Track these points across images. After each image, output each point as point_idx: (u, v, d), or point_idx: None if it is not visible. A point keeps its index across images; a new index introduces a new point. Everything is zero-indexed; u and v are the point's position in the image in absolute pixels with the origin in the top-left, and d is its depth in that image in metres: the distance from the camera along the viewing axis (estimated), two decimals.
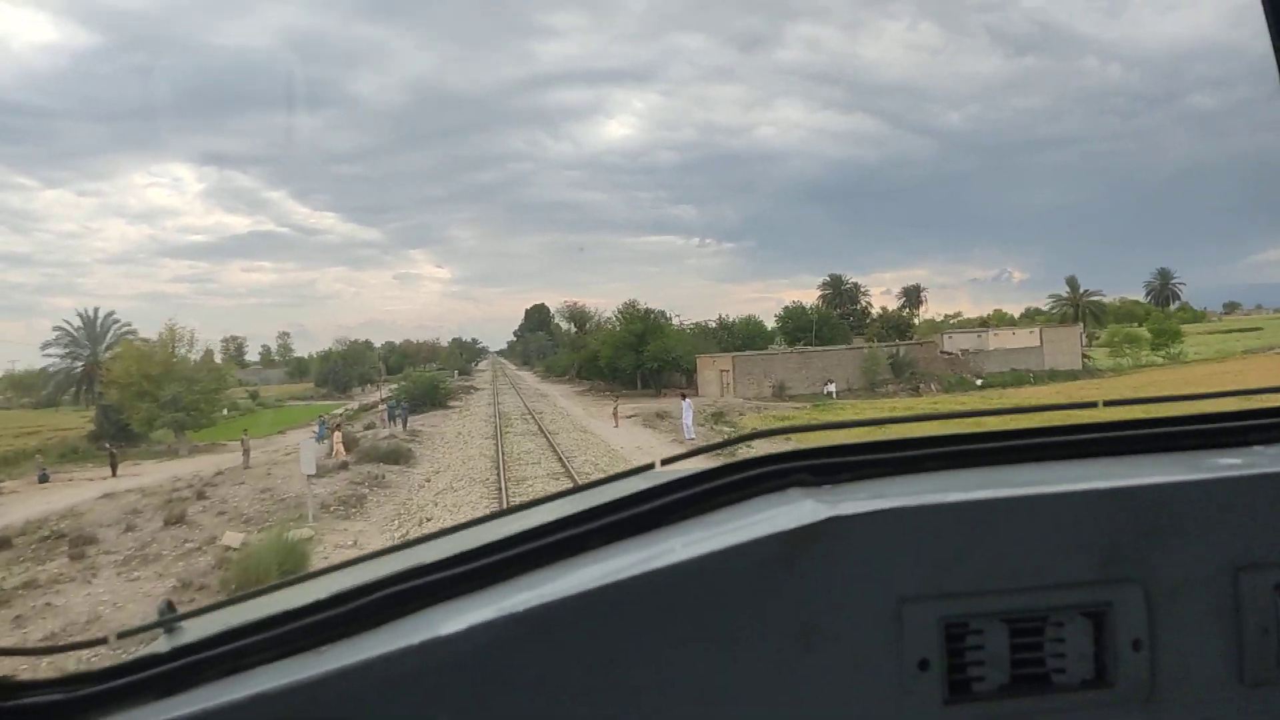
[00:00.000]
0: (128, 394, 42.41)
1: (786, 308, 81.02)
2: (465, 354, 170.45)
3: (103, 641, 1.19)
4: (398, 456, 28.20)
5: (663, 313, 61.22)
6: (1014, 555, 1.06)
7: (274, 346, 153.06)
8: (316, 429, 39.44)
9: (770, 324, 75.90)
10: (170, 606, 1.26)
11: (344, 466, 26.57)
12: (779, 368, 54.76)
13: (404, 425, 40.13)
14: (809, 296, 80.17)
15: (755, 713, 1.04)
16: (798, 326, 73.77)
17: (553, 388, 74.22)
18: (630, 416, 38.95)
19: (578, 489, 1.38)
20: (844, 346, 62.41)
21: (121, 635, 1.19)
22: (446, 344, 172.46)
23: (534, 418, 43.08)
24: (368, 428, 45.60)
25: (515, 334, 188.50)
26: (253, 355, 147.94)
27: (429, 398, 55.63)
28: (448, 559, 1.10)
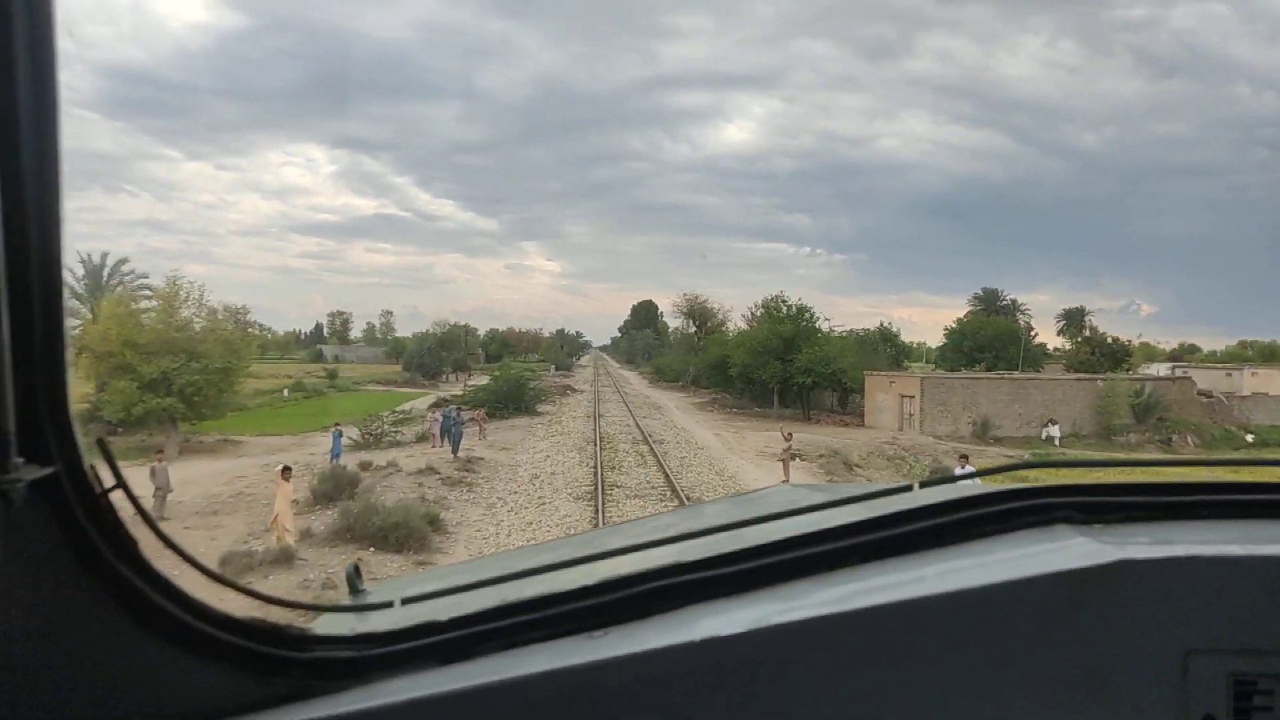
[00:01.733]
0: (103, 368, 30.62)
1: (960, 320, 65.27)
2: (567, 347, 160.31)
3: (388, 605, 1.20)
4: (409, 533, 14.67)
5: (812, 312, 46.76)
6: None
7: (377, 325, 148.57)
8: (332, 440, 26.72)
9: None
10: (357, 570, 1.33)
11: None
12: (983, 398, 39.58)
13: (455, 447, 27.13)
14: (921, 316, 63.32)
15: None
16: (977, 345, 58.00)
17: (665, 396, 60.58)
18: (794, 455, 24.74)
19: (835, 502, 1.31)
20: (1068, 376, 46.44)
21: (405, 601, 1.20)
22: (549, 335, 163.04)
23: (650, 445, 29.41)
24: (420, 439, 32.72)
25: (620, 330, 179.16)
26: (357, 332, 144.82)
27: (513, 399, 42.80)
28: (709, 559, 1.11)
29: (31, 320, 0.86)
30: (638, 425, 36.56)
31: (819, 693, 1.01)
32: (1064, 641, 1.00)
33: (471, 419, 32.69)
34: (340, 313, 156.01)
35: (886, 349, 53.86)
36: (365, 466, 23.60)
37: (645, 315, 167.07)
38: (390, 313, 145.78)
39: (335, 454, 25.52)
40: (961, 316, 75.82)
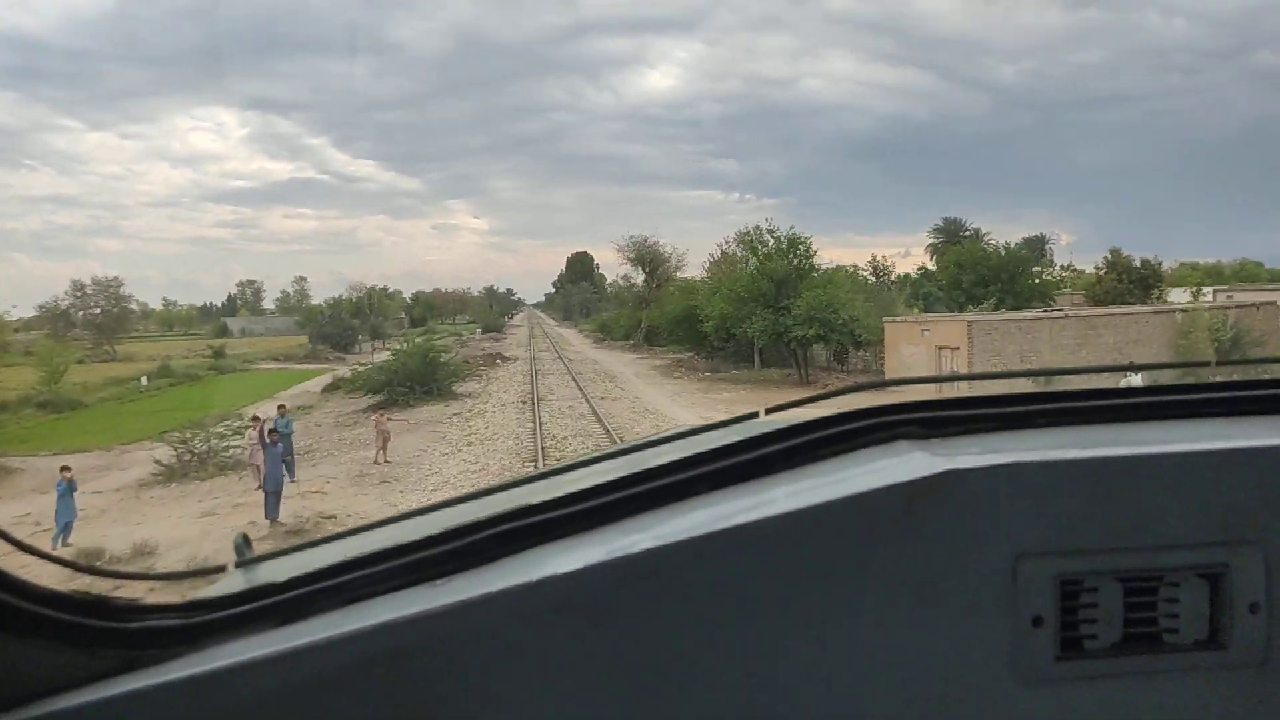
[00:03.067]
0: None
1: (954, 246, 55.62)
2: (497, 306, 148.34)
3: (221, 569, 1.19)
4: None
5: (808, 244, 36.00)
6: (1131, 514, 1.04)
7: (291, 292, 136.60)
8: (57, 499, 15.16)
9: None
10: (246, 541, 1.26)
11: None
12: (1044, 344, 29.77)
13: (272, 506, 15.23)
14: (853, 256, 54.26)
15: (870, 665, 1.03)
16: (978, 279, 48.42)
17: (616, 359, 49.75)
18: None
19: (680, 435, 1.32)
20: (1143, 309, 36.86)
21: (239, 564, 1.19)
22: (478, 293, 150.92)
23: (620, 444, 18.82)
24: (225, 469, 20.89)
25: (555, 285, 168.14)
26: (271, 302, 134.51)
27: (421, 380, 31.66)
28: (557, 499, 1.11)
29: None
30: (594, 411, 25.79)
31: (661, 621, 1.01)
32: (898, 553, 1.02)
33: (374, 422, 21.53)
34: (251, 281, 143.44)
35: (887, 290, 43.74)
36: (96, 556, 12.46)
37: (581, 268, 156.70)
38: (304, 278, 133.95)
39: (62, 523, 14.27)
40: (925, 252, 67.04)
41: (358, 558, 1.08)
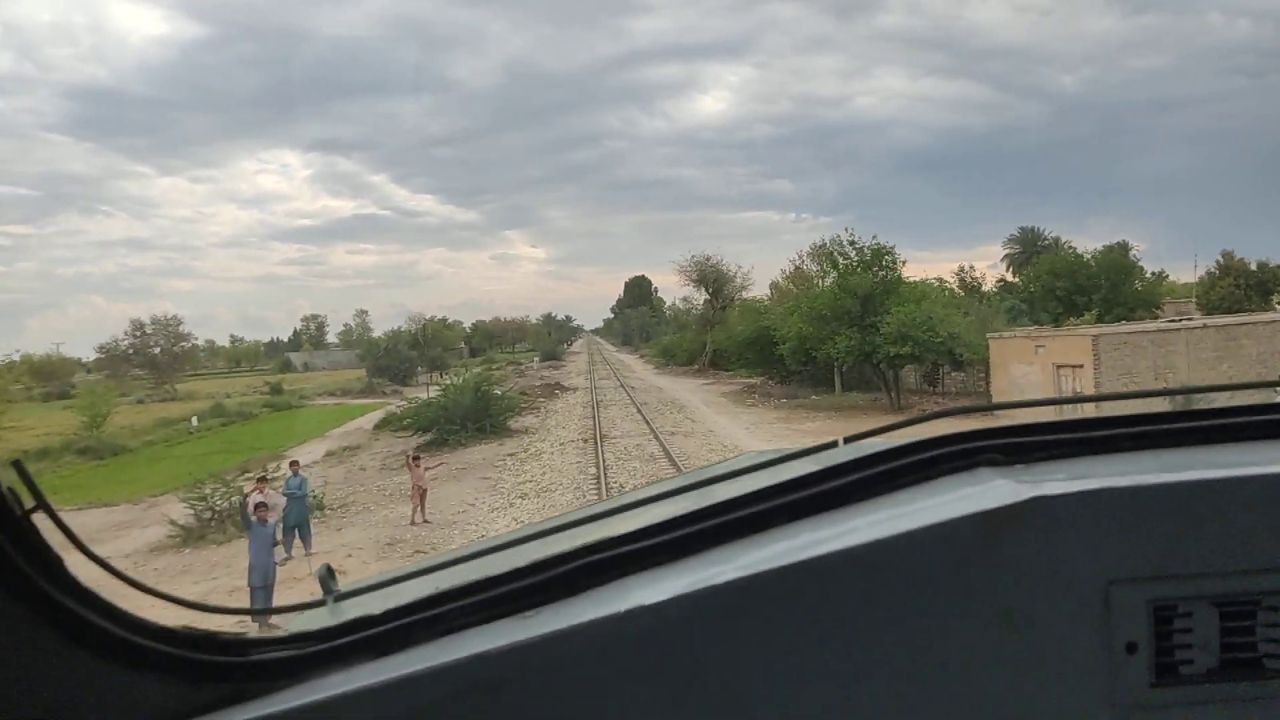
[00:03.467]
0: None
1: (1043, 256, 51.29)
2: (556, 333, 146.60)
3: (321, 603, 1.22)
4: None
5: (894, 254, 32.30)
6: (1225, 538, 1.01)
7: (354, 326, 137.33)
8: None
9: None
10: (330, 572, 1.30)
11: None
12: (1181, 358, 25.70)
13: (261, 596, 11.92)
14: (914, 271, 49.07)
15: (957, 696, 1.01)
16: (1076, 287, 44.05)
17: (681, 386, 46.60)
18: None
19: (761, 465, 1.31)
20: None
21: (337, 597, 1.21)
22: (536, 321, 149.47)
23: None
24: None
25: (613, 310, 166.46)
26: (334, 336, 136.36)
27: (473, 417, 28.90)
28: (640, 530, 1.12)
29: None
30: (666, 450, 22.59)
31: (745, 652, 1.02)
32: (982, 581, 1.01)
33: (410, 473, 18.13)
34: (314, 316, 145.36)
35: (981, 304, 39.63)
36: None
37: (639, 292, 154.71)
38: (365, 311, 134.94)
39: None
40: (1001, 263, 62.60)
41: (450, 590, 1.09)
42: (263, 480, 15.34)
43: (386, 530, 16.86)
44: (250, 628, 1.39)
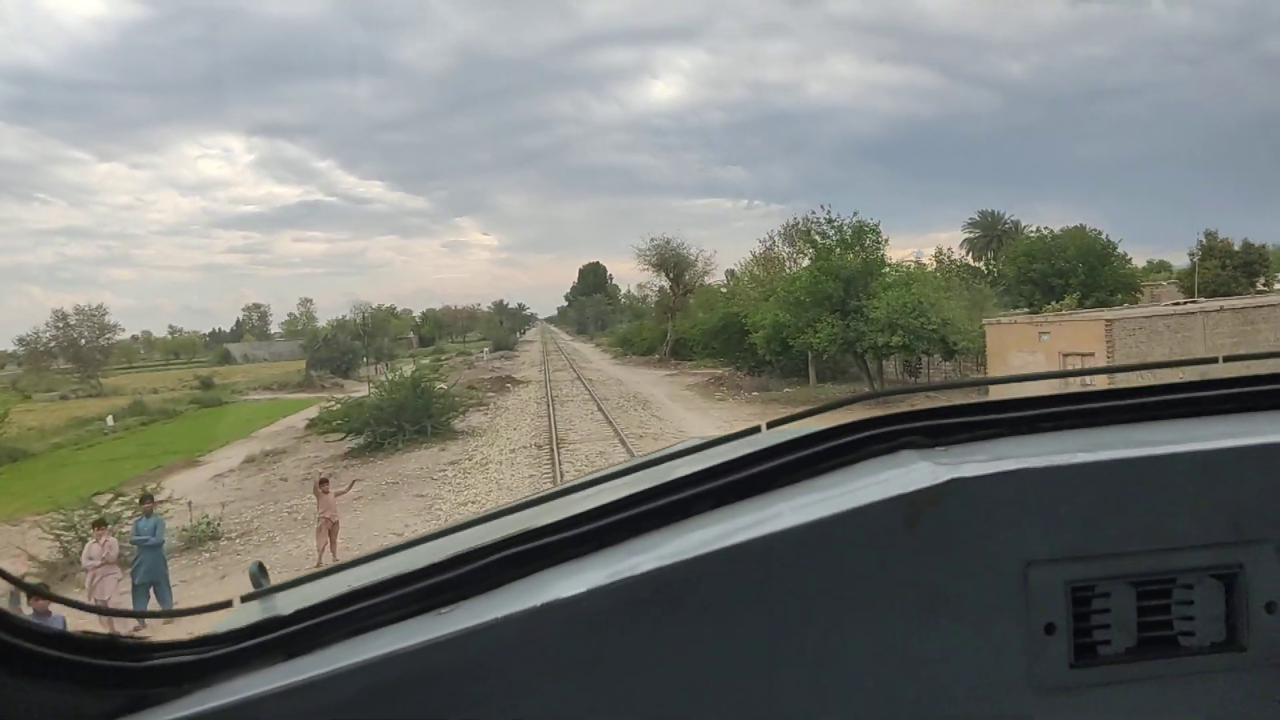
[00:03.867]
0: None
1: (1022, 236, 49.06)
2: (508, 321, 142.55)
3: (227, 604, 1.19)
4: None
5: (878, 231, 29.13)
6: (1141, 517, 1.02)
7: (298, 315, 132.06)
8: None
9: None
10: (262, 569, 1.28)
11: None
12: (1198, 344, 23.25)
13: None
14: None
15: (879, 679, 1.02)
16: (1054, 270, 41.80)
17: (643, 377, 43.45)
18: None
19: (683, 452, 1.29)
20: None
21: (245, 598, 1.19)
22: (488, 308, 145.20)
23: None
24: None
25: (567, 298, 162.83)
26: (278, 325, 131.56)
27: (411, 417, 25.46)
28: (560, 522, 1.10)
29: None
30: (634, 455, 19.47)
31: (665, 643, 1.00)
32: (904, 564, 1.01)
33: (321, 501, 14.33)
34: (257, 306, 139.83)
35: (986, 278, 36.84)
36: None
37: (594, 279, 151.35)
38: (309, 300, 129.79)
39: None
40: (961, 247, 60.59)
41: (364, 587, 1.07)
42: (101, 525, 11.71)
43: (288, 573, 13.48)
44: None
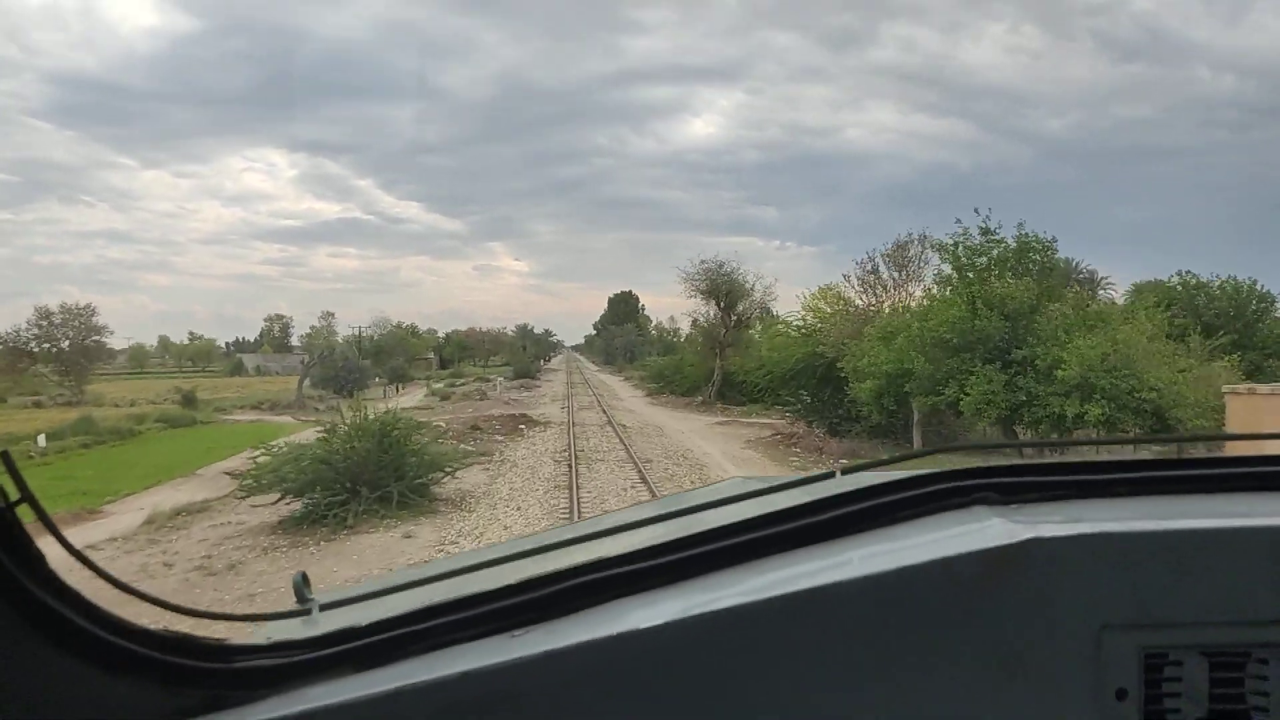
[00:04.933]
0: None
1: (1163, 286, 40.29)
2: (533, 347, 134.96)
3: (306, 612, 1.18)
4: None
5: (1054, 247, 20.30)
6: (1218, 588, 1.01)
7: (320, 329, 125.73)
8: None
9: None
10: (305, 580, 1.28)
11: None
12: None
13: None
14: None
15: None
16: (1200, 324, 33.02)
17: (687, 424, 34.96)
18: None
19: (759, 492, 1.30)
20: None
21: (324, 606, 1.18)
22: (512, 332, 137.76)
23: None
24: None
25: (596, 326, 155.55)
26: (298, 339, 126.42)
27: (373, 478, 17.25)
28: (634, 552, 1.10)
29: None
30: None
31: (741, 681, 1.00)
32: (979, 621, 1.00)
33: None
34: (279, 316, 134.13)
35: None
36: None
37: (624, 308, 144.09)
38: (332, 314, 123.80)
39: None
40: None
41: (439, 604, 1.07)
42: None
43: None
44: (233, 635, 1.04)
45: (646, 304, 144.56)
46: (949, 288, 20.70)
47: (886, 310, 27.26)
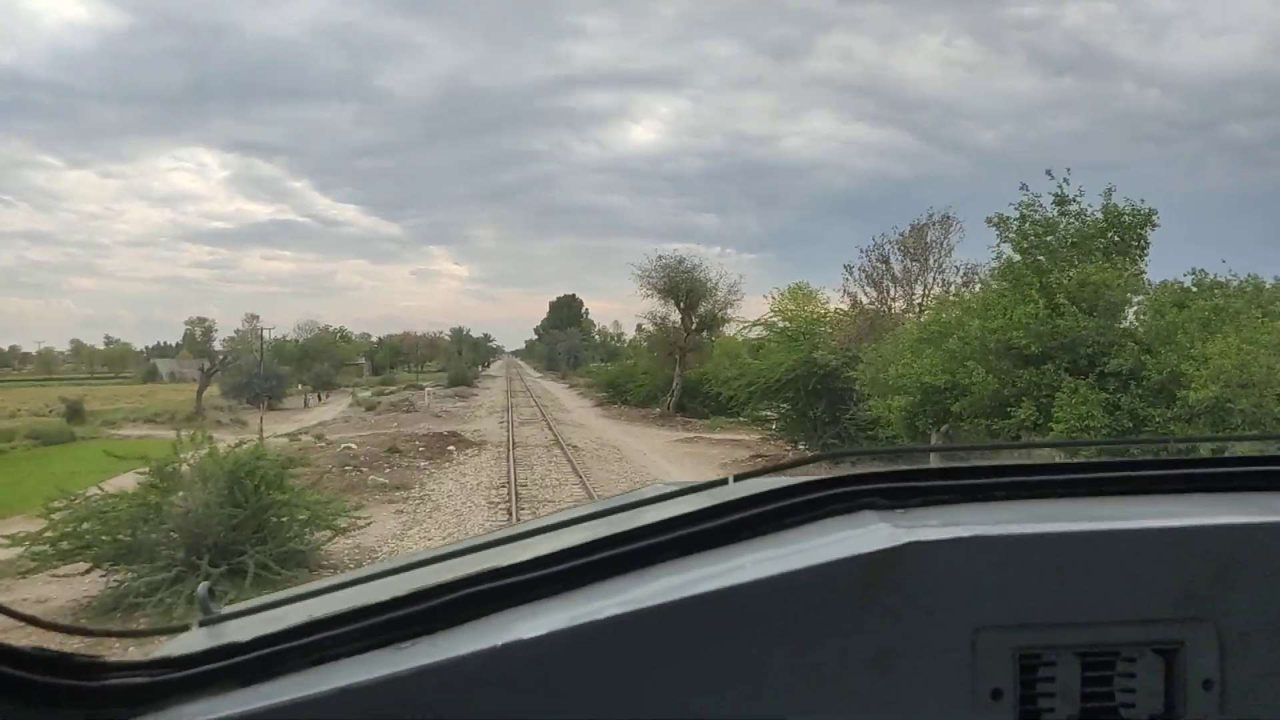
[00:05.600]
0: None
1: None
2: (470, 352, 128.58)
3: (185, 628, 1.16)
4: None
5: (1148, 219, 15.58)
6: (1088, 589, 1.04)
7: (244, 331, 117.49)
8: None
9: None
10: (211, 594, 1.24)
11: None
12: None
13: None
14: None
15: None
16: None
17: (650, 443, 29.66)
18: None
19: (653, 499, 1.30)
20: None
21: (203, 622, 1.15)
22: (448, 336, 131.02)
23: None
24: None
25: (537, 331, 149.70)
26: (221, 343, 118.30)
27: (224, 547, 11.71)
28: (525, 562, 1.10)
29: None
30: None
31: (627, 688, 1.00)
32: (858, 624, 1.02)
33: None
34: (201, 319, 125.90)
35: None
36: None
37: (567, 313, 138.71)
38: (256, 317, 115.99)
39: None
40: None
41: (324, 618, 1.05)
42: None
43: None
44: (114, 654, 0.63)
45: (589, 309, 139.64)
46: (1004, 279, 15.86)
47: (899, 307, 22.46)
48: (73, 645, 1.05)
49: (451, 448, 26.89)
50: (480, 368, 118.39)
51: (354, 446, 25.60)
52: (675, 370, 39.20)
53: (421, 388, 70.60)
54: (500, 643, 0.98)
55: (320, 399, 65.33)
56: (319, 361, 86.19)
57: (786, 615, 1.01)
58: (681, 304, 39.43)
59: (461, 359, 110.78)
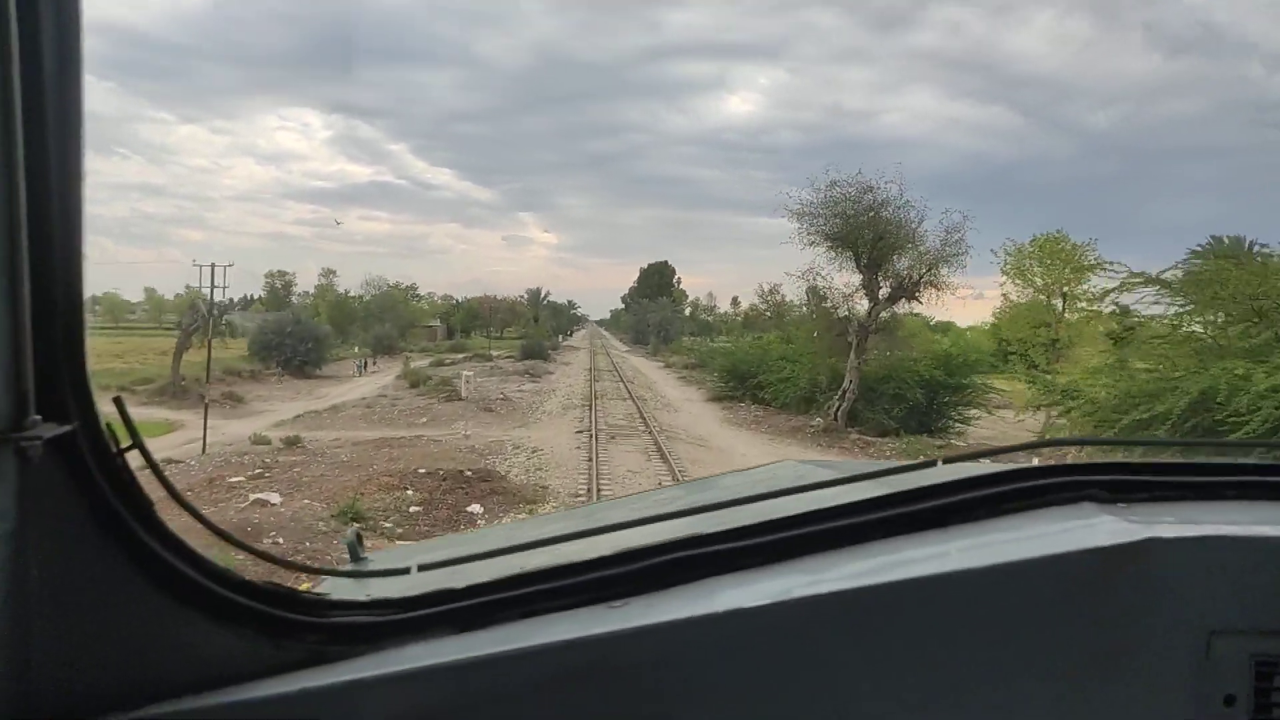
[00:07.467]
0: None
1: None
2: (552, 319, 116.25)
3: (405, 571, 1.17)
4: None
5: None
6: None
7: (323, 285, 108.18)
8: None
9: None
10: (359, 539, 1.28)
11: None
12: None
13: None
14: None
15: None
16: None
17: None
18: None
19: (858, 477, 1.27)
20: None
21: (422, 567, 1.17)
22: (525, 300, 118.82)
23: None
24: None
25: (624, 300, 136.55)
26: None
27: None
28: (727, 531, 1.09)
29: (52, 281, 0.83)
30: None
31: (842, 666, 0.98)
32: (1089, 618, 0.98)
33: None
34: (281, 273, 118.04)
35: None
36: None
37: (658, 280, 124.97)
38: (333, 271, 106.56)
39: None
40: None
41: (535, 571, 1.07)
42: None
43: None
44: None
45: (692, 284, 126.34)
46: None
47: None
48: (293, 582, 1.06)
49: (486, 490, 13.29)
50: (561, 337, 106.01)
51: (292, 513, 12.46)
52: (850, 359, 24.94)
53: (490, 358, 58.01)
54: (716, 610, 0.96)
55: (366, 367, 53.40)
56: (381, 322, 75.14)
57: (1009, 605, 0.96)
58: (864, 259, 24.96)
59: (539, 327, 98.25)
